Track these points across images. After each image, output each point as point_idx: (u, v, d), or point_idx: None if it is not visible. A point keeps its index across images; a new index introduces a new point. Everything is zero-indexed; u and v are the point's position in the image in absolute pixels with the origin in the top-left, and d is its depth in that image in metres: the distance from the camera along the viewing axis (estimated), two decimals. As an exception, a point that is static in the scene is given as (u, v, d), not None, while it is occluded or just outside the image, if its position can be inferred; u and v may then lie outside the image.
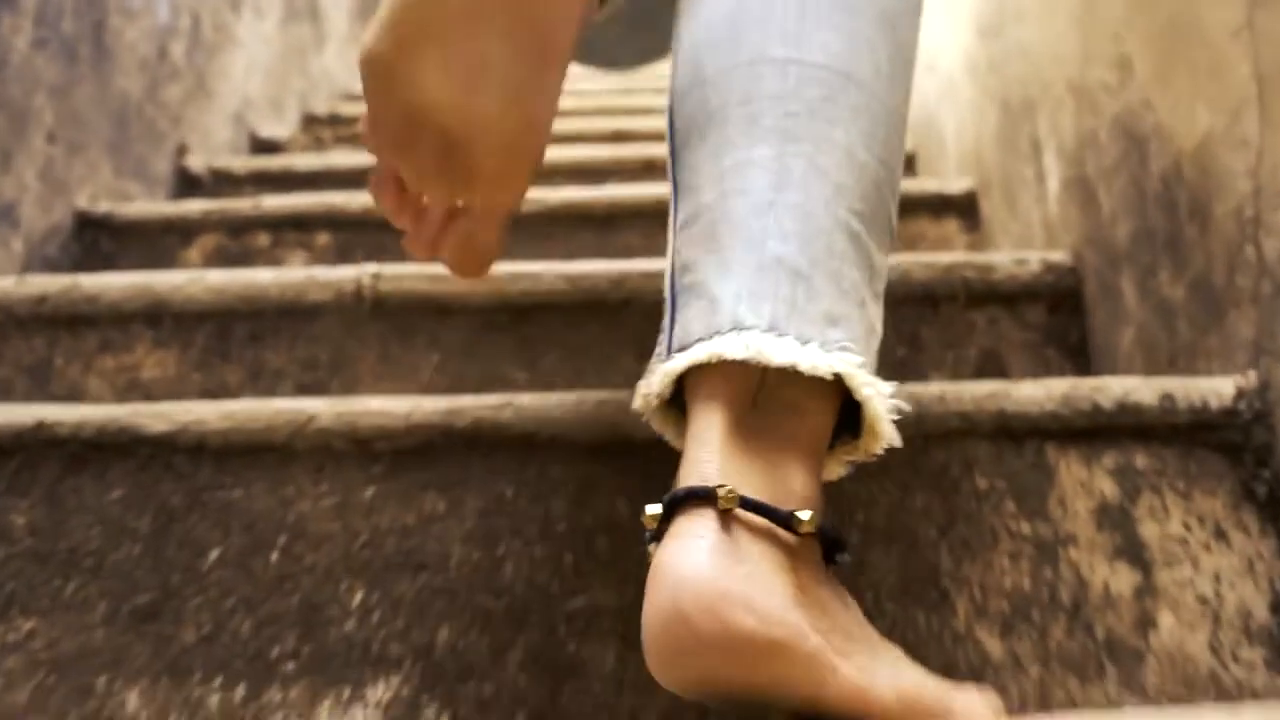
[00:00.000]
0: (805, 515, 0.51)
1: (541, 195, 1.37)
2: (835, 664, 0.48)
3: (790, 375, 0.53)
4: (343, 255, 1.38)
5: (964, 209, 1.39)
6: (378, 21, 0.54)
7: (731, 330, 0.53)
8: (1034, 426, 0.73)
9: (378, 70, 0.54)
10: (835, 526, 0.64)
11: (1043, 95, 1.15)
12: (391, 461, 0.73)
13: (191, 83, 1.78)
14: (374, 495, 0.72)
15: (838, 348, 0.54)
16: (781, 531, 0.51)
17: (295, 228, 1.40)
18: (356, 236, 1.39)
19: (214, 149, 1.88)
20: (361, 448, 0.73)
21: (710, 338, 0.54)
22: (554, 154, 1.63)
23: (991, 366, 1.03)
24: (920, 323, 1.04)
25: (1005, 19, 1.27)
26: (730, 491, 0.50)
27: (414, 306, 1.05)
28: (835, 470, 0.59)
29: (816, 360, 0.52)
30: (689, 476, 0.52)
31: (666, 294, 0.60)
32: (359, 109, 2.43)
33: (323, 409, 0.74)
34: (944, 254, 1.07)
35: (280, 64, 2.23)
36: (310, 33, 2.43)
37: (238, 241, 1.40)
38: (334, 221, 1.39)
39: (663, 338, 0.59)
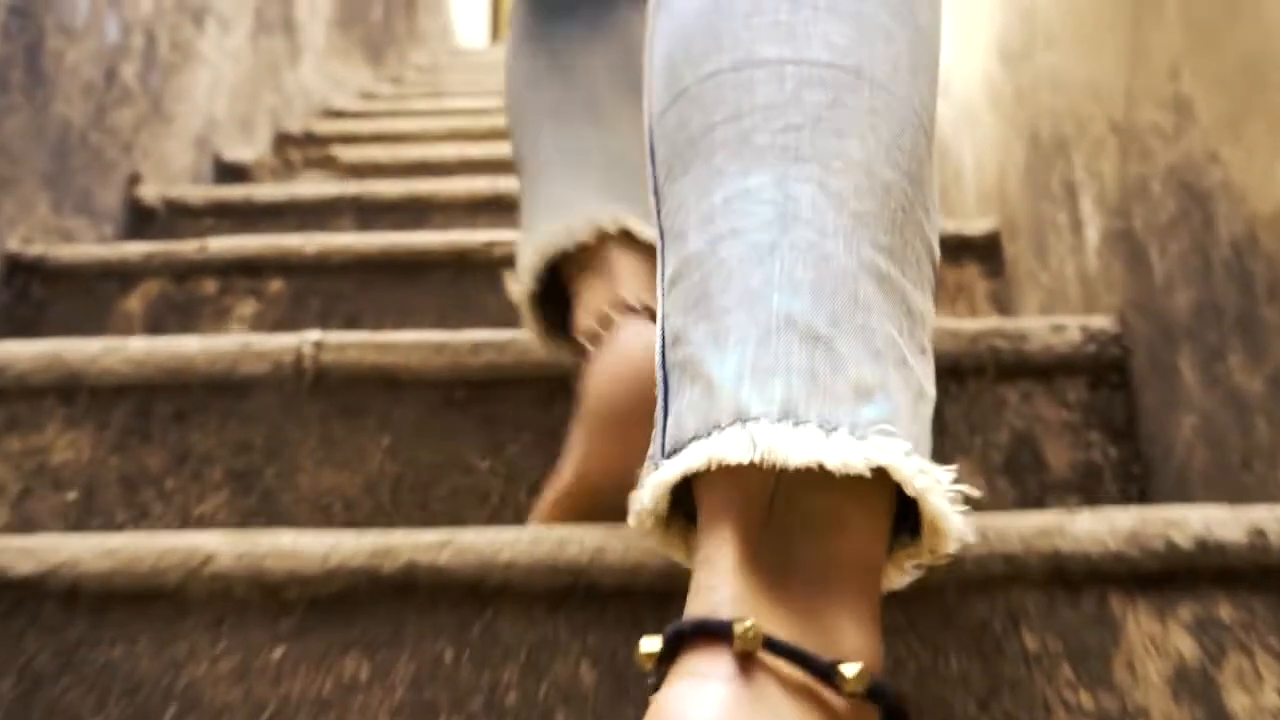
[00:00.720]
0: (852, 670, 0.39)
1: (512, 236, 1.23)
2: None
3: (813, 477, 0.41)
4: (297, 303, 1.25)
5: (985, 252, 1.25)
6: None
7: (733, 423, 0.42)
8: (1094, 570, 0.59)
9: None
10: (895, 687, 0.47)
11: (1079, 133, 1.02)
12: (305, 614, 0.59)
13: (146, 106, 1.65)
14: (283, 657, 0.59)
15: (875, 431, 0.42)
16: (823, 689, 0.39)
17: (245, 273, 1.26)
18: (313, 282, 1.25)
19: (173, 176, 1.74)
20: (269, 596, 0.60)
21: (708, 434, 0.43)
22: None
23: (1025, 453, 0.90)
24: (942, 399, 0.90)
25: (1034, 43, 1.14)
26: (752, 628, 0.39)
27: (362, 380, 0.91)
28: (896, 578, 0.48)
29: (847, 453, 0.41)
30: (696, 607, 0.41)
31: (658, 375, 0.49)
32: (335, 126, 2.29)
33: (221, 547, 0.60)
34: (969, 320, 0.94)
35: (250, 81, 2.09)
36: (284, 46, 2.29)
37: (182, 288, 1.27)
38: (287, 266, 1.26)
39: (656, 434, 0.48)
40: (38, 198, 1.36)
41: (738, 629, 0.38)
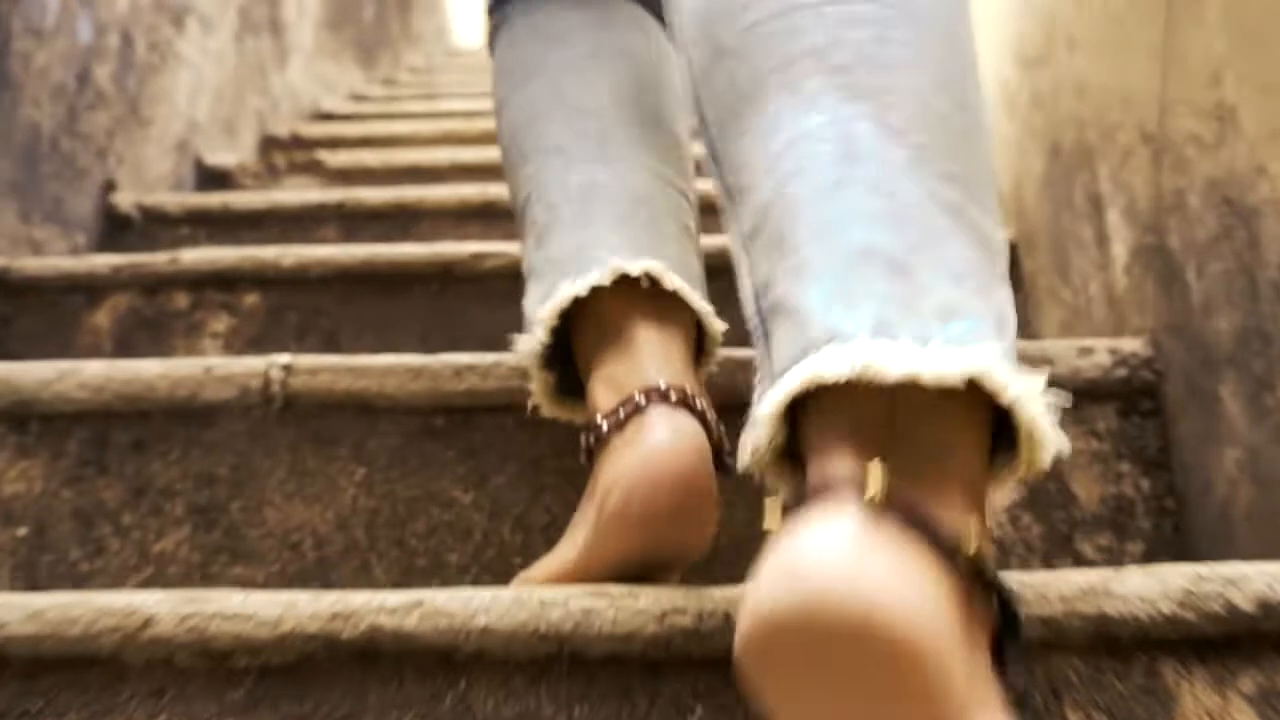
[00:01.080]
0: (970, 546, 0.41)
1: (501, 248, 1.17)
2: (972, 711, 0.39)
3: (923, 402, 0.42)
4: (273, 318, 1.18)
5: (1001, 266, 1.19)
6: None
7: (829, 343, 0.44)
8: (1144, 635, 0.52)
9: None
10: (1011, 590, 0.45)
11: (1105, 142, 0.95)
12: (256, 684, 0.52)
13: (122, 109, 1.58)
14: (230, 733, 0.52)
15: (966, 342, 0.43)
16: (943, 558, 0.41)
17: (219, 286, 1.20)
18: (290, 296, 1.19)
19: (151, 183, 1.67)
20: (215, 664, 0.53)
21: (804, 358, 0.44)
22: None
23: (1051, 486, 0.83)
24: (962, 429, 0.84)
25: (1054, 46, 1.07)
26: (879, 488, 0.40)
27: (335, 407, 0.85)
28: (1001, 497, 0.49)
29: (942, 363, 0.42)
30: (817, 475, 0.44)
31: (754, 325, 0.50)
32: (323, 130, 2.22)
33: (162, 609, 0.54)
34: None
35: (234, 83, 2.02)
36: (271, 47, 2.23)
37: (152, 303, 1.20)
38: (263, 279, 1.19)
39: (762, 380, 0.49)
40: (4, 207, 1.29)
41: (871, 478, 0.40)
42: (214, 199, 1.54)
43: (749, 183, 0.50)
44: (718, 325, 0.70)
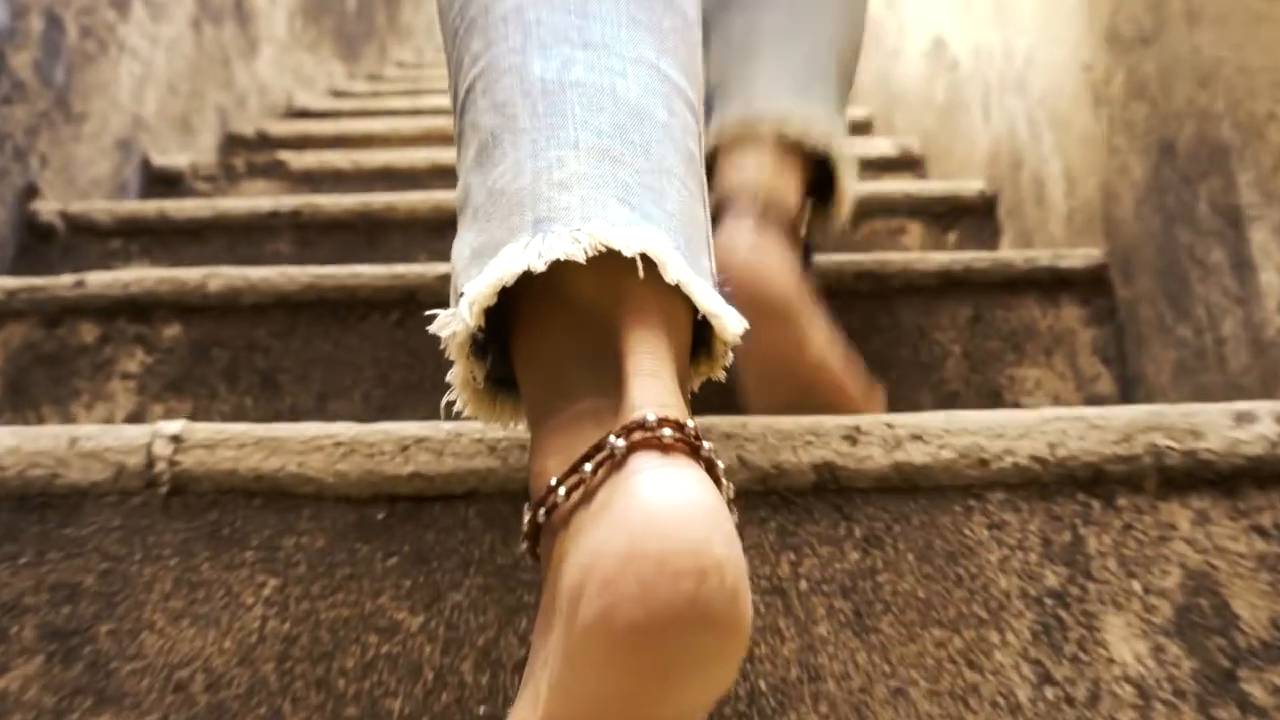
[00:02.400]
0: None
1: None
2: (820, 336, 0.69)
3: (794, 146, 0.74)
4: (198, 355, 0.96)
5: (1088, 291, 0.97)
6: None
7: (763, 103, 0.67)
8: None
9: None
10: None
11: (1246, 140, 0.73)
12: None
13: (46, 103, 1.36)
14: None
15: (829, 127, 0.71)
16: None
17: (133, 315, 0.98)
18: (218, 328, 0.97)
19: (85, 187, 1.46)
20: None
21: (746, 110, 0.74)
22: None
23: (1205, 603, 0.61)
24: (1082, 526, 0.62)
25: (1166, 20, 0.85)
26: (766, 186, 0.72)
27: (239, 493, 0.63)
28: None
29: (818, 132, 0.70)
30: (728, 182, 0.76)
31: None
32: (294, 128, 2.01)
33: None
34: (1116, 409, 0.65)
35: (191, 75, 1.81)
36: (236, 36, 2.01)
37: (53, 335, 0.98)
38: (186, 307, 0.97)
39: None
40: (-116, 216, 1.08)
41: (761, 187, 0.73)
42: (150, 207, 1.32)
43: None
44: (733, 326, 0.50)
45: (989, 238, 1.28)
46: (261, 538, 0.62)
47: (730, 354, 0.53)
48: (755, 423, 0.63)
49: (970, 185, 1.30)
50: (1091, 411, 0.64)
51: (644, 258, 0.47)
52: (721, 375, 0.55)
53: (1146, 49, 0.89)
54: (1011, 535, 0.62)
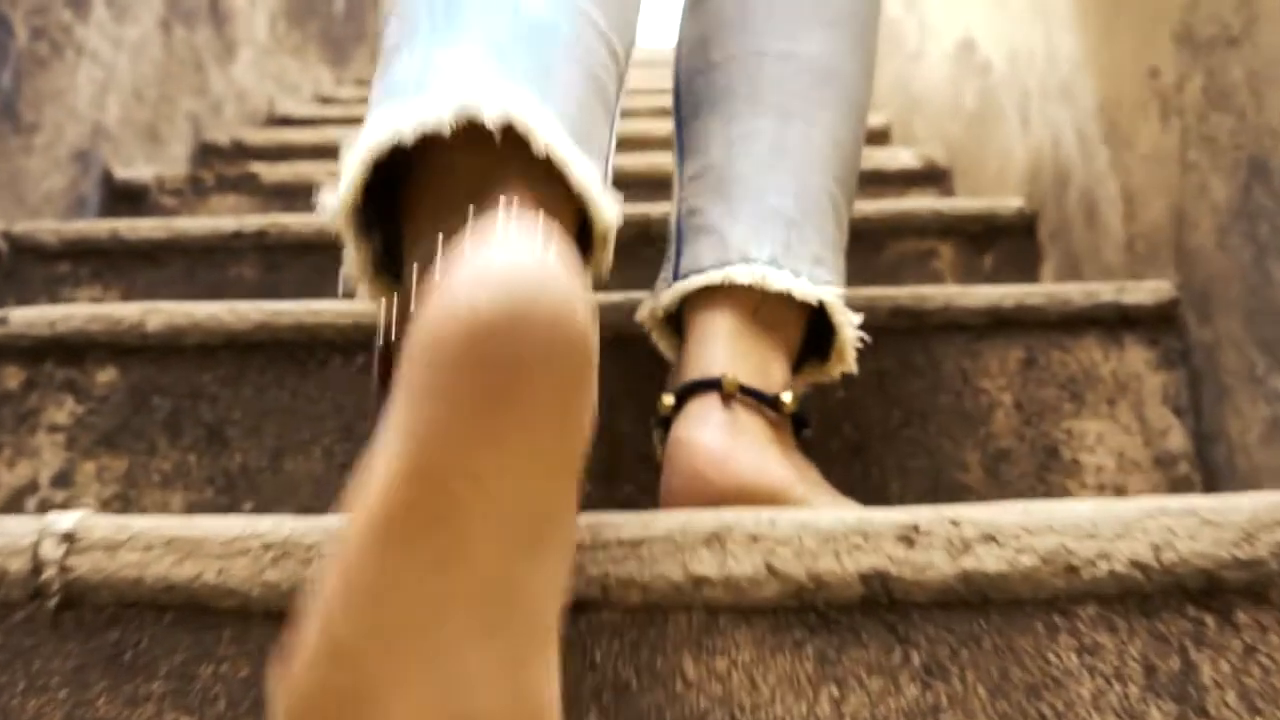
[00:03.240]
0: (787, 397, 0.64)
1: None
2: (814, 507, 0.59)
3: (780, 301, 0.66)
4: (136, 404, 0.84)
5: (1156, 330, 0.85)
6: (311, 647, 0.39)
7: (740, 262, 0.66)
8: None
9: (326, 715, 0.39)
10: (804, 407, 0.67)
11: (1374, 160, 0.61)
12: None
13: (-11, 111, 1.24)
14: None
15: (823, 283, 0.68)
16: (768, 410, 0.64)
17: (63, 358, 0.86)
18: (158, 372, 0.85)
19: (36, 204, 1.33)
20: None
21: (721, 266, 0.67)
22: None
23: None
24: (1194, 649, 0.50)
25: (1258, 16, 0.73)
26: (732, 379, 0.63)
27: (146, 607, 0.51)
28: (798, 388, 0.69)
29: (807, 289, 0.66)
30: (697, 370, 0.64)
31: (672, 231, 0.72)
32: (273, 136, 1.88)
33: None
34: (1233, 499, 0.52)
35: (160, 81, 1.68)
36: (211, 39, 1.89)
37: (-29, 380, 0.86)
38: (122, 348, 0.85)
39: (668, 265, 0.71)
40: None
41: (725, 378, 0.62)
42: (102, 227, 1.20)
43: (704, 146, 0.72)
44: (608, 213, 0.54)
45: (1029, 262, 1.16)
46: (172, 664, 0.50)
47: (610, 247, 0.56)
48: (787, 521, 0.50)
49: (1007, 203, 1.18)
50: (1203, 502, 0.52)
51: (511, 129, 0.50)
52: (603, 270, 0.58)
53: (1233, 50, 0.77)
54: (1107, 662, 0.49)
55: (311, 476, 0.82)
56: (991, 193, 1.31)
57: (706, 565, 0.49)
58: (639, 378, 0.85)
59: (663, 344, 0.73)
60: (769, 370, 0.65)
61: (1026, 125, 1.19)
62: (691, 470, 0.60)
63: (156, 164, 1.66)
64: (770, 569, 0.49)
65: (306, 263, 1.16)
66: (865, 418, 0.83)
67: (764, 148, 0.69)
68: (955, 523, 0.50)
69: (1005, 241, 1.17)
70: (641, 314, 0.72)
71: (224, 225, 1.17)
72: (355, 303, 0.85)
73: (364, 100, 2.49)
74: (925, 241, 1.16)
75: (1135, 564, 0.50)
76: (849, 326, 0.69)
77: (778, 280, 0.65)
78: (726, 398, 0.63)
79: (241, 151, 1.82)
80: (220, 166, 1.80)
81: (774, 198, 0.68)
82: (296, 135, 1.88)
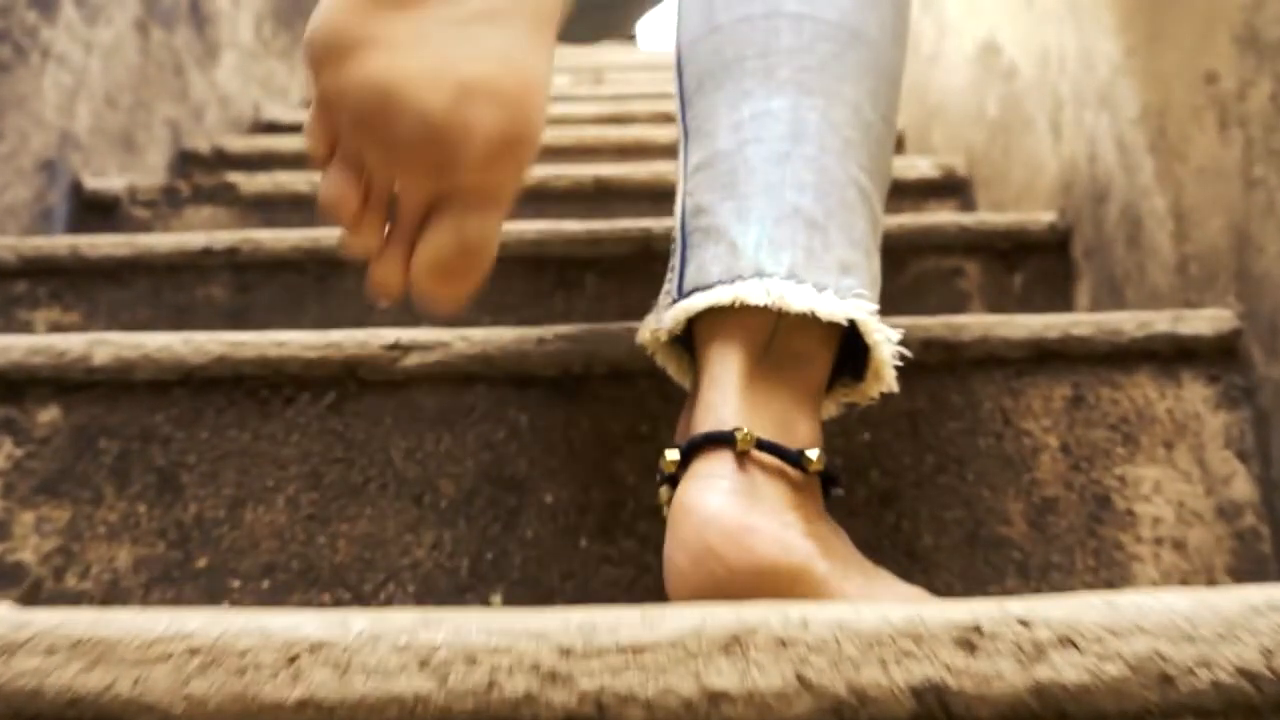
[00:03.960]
0: (813, 455, 0.55)
1: (437, 335, 0.74)
2: (842, 586, 0.53)
3: (802, 322, 0.56)
4: (80, 447, 0.75)
5: (1218, 364, 0.76)
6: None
7: (754, 276, 0.56)
8: None
9: (341, 41, 0.49)
10: (832, 464, 0.59)
11: None
12: None
13: (-57, 118, 1.16)
14: None
15: (852, 295, 0.57)
16: (791, 470, 0.55)
17: (1, 395, 0.77)
18: (107, 412, 0.76)
19: (0, 216, 1.25)
20: None
21: (731, 281, 0.56)
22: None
23: None
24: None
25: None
26: (747, 434, 0.53)
27: (49, 723, 0.42)
28: (830, 410, 0.63)
29: (834, 307, 0.55)
30: (706, 421, 0.55)
31: (677, 233, 0.62)
32: (257, 144, 1.80)
33: None
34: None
35: (135, 86, 1.60)
36: (191, 41, 1.80)
37: (-101, 419, 0.77)
38: (66, 384, 0.76)
39: (673, 276, 0.61)
40: None
41: (738, 435, 0.53)
42: (62, 244, 1.11)
43: (711, 130, 0.61)
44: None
45: (1062, 281, 1.07)
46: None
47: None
48: (822, 621, 0.42)
49: (1038, 217, 1.09)
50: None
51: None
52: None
53: (1309, 55, 0.68)
54: (1210, 790, 0.41)
55: (274, 529, 0.73)
56: (1017, 206, 1.22)
57: (725, 677, 0.41)
58: (642, 416, 0.76)
59: (671, 368, 0.64)
60: (792, 420, 0.56)
61: (1058, 133, 1.11)
62: (701, 546, 0.51)
63: (132, 173, 1.57)
64: (802, 681, 0.41)
65: (280, 282, 1.07)
66: (895, 463, 0.74)
67: (779, 131, 0.59)
68: (1025, 623, 0.42)
69: (1036, 259, 1.09)
70: (643, 336, 0.63)
71: (192, 242, 1.09)
72: (325, 334, 0.76)
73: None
74: (949, 259, 1.08)
75: (1243, 672, 0.41)
76: (886, 344, 0.57)
77: (798, 299, 0.55)
78: (741, 455, 0.53)
79: (222, 159, 1.74)
80: (200, 175, 1.72)
81: (792, 193, 0.57)
82: (283, 142, 1.80)
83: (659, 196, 1.37)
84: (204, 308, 1.08)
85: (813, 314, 0.55)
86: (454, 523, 0.73)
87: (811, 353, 0.57)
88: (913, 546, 0.73)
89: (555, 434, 0.75)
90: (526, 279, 1.07)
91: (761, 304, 0.55)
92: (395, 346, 0.75)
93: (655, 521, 0.73)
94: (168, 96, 1.71)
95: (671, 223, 1.17)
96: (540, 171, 1.39)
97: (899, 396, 0.74)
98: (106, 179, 1.46)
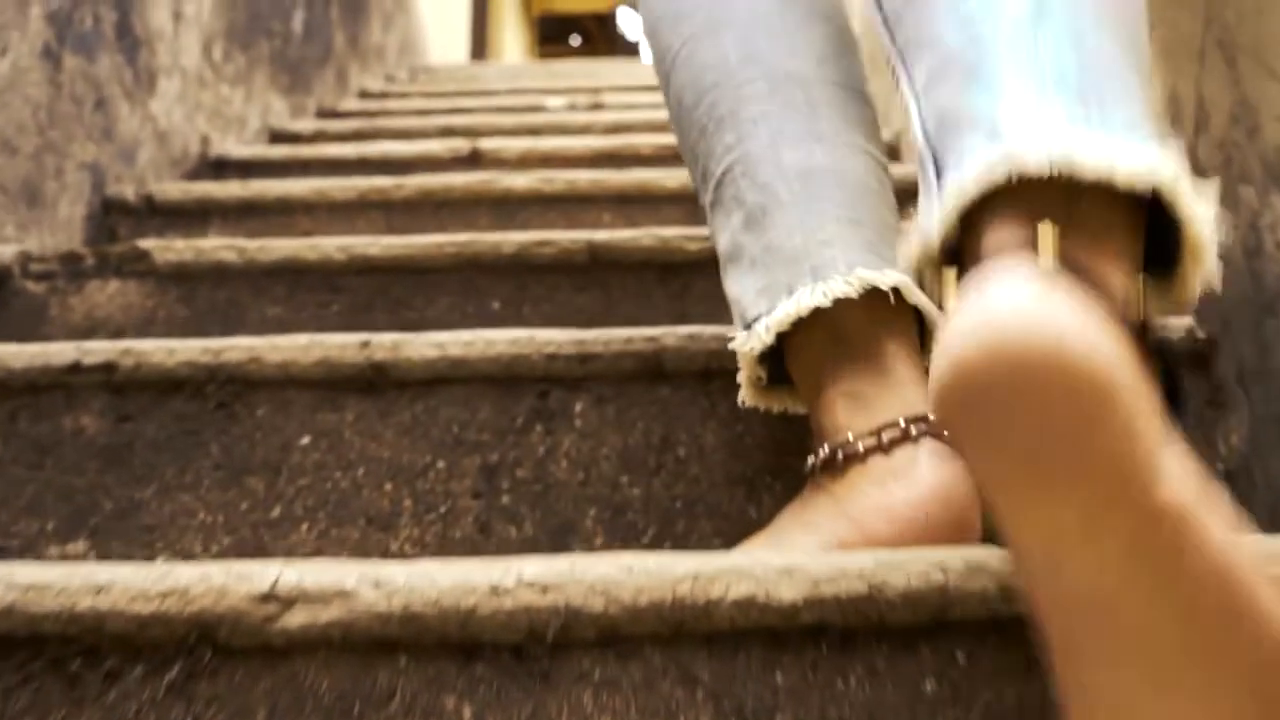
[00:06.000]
0: (1136, 303, 0.47)
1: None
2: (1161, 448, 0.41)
3: (1094, 195, 0.46)
4: None
5: None
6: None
7: (1025, 140, 0.48)
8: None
9: None
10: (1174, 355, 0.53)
11: None
12: None
13: None
14: None
15: (1149, 154, 0.47)
16: (1111, 310, 0.43)
17: None
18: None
19: None
20: None
21: (1003, 158, 0.48)
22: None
23: None
24: None
25: None
26: (1051, 248, 0.45)
27: None
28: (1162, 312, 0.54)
29: (1134, 162, 0.46)
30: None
31: (923, 155, 0.54)
32: (192, 190, 1.53)
33: None
34: None
35: (42, 126, 1.34)
36: (119, 67, 1.54)
37: None
38: None
39: (929, 199, 0.53)
40: None
41: (1042, 238, 0.45)
42: (-110, 353, 0.85)
43: (931, 38, 0.54)
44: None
45: (1203, 407, 0.81)
46: None
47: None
48: None
49: (1169, 321, 0.83)
50: None
51: (895, 292, 0.63)
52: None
53: None
54: None
55: None
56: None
57: None
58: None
59: (938, 294, 0.54)
60: (1113, 266, 0.47)
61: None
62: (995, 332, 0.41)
63: (36, 233, 1.31)
64: None
65: (168, 410, 0.81)
66: None
67: (1018, 11, 0.51)
68: None
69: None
70: (907, 259, 0.53)
71: (56, 355, 0.82)
72: (167, 574, 0.50)
73: (318, 135, 2.14)
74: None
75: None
76: (1204, 216, 0.48)
77: (1088, 151, 0.46)
78: (1052, 265, 0.45)
79: (153, 210, 1.48)
80: (126, 229, 1.46)
81: (1050, 65, 0.50)
82: (231, 189, 1.53)
83: (670, 270, 1.11)
84: (71, 443, 0.81)
85: (1109, 180, 0.46)
86: None
87: (1118, 231, 0.48)
88: None
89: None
90: (494, 406, 0.81)
91: (1044, 167, 0.46)
92: (271, 597, 0.48)
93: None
94: (85, 136, 1.44)
95: (677, 231, 1.08)
96: (520, 235, 1.12)
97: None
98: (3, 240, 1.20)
